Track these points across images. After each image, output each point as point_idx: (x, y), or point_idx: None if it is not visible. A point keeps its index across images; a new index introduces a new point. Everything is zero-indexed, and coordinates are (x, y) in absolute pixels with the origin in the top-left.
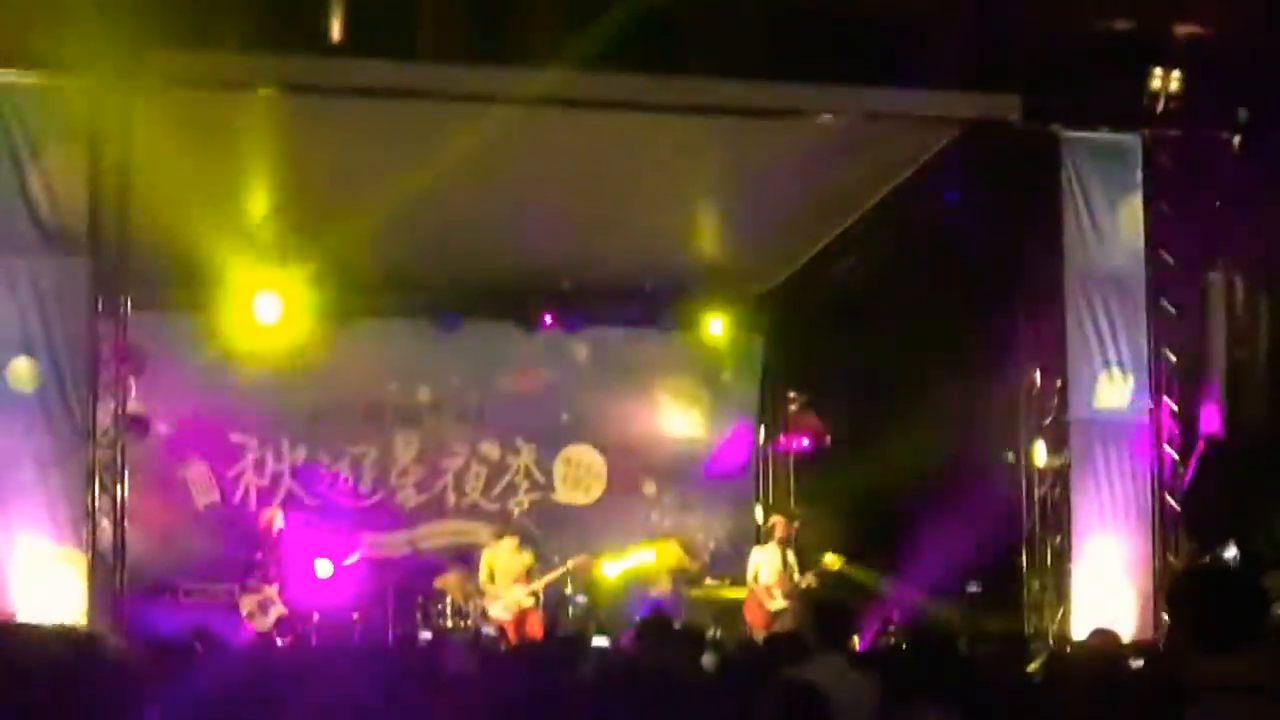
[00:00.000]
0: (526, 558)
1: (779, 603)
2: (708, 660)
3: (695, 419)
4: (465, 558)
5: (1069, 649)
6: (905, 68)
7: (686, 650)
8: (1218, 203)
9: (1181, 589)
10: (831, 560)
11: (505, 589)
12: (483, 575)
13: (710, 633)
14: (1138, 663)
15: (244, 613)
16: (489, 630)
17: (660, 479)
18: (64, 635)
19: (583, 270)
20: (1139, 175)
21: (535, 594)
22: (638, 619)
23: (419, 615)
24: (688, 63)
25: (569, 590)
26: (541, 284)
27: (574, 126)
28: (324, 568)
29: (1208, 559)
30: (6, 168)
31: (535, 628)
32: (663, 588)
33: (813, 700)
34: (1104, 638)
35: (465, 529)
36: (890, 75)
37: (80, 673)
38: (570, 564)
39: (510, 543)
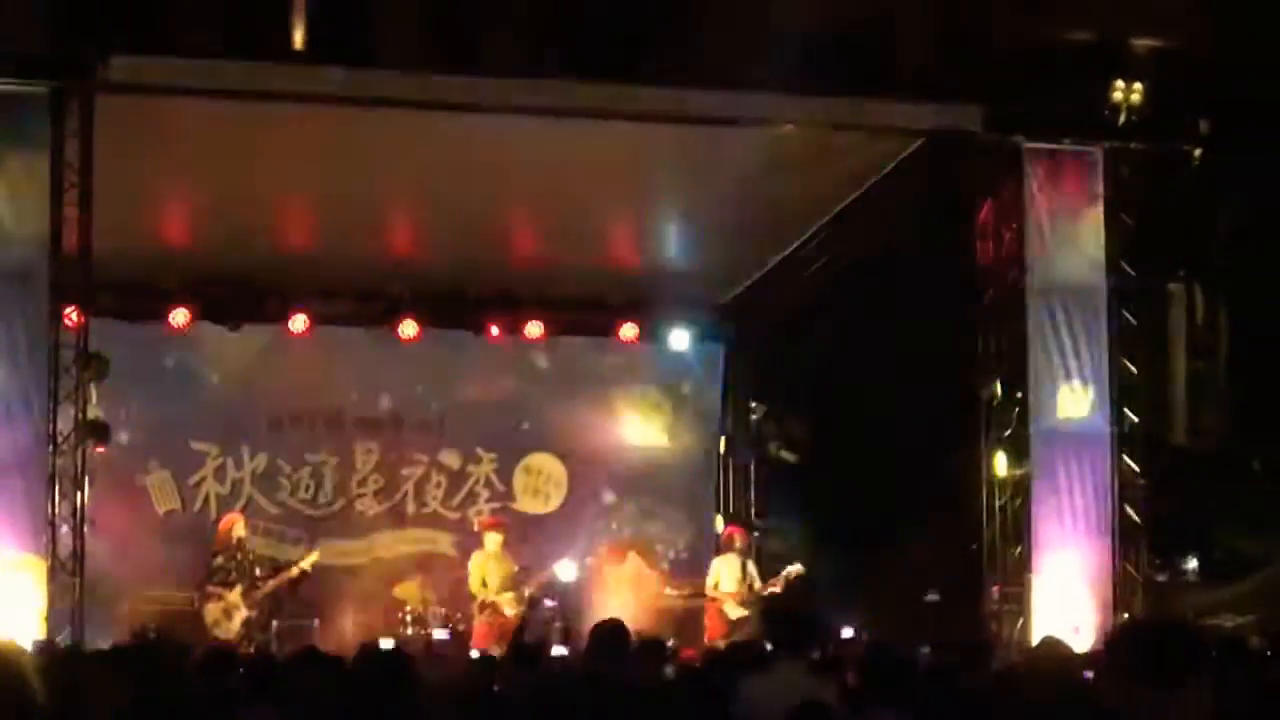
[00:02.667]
0: (509, 563)
1: (738, 611)
2: (667, 670)
3: (656, 429)
4: (425, 567)
5: (1019, 658)
6: (868, 78)
7: (641, 659)
8: (1178, 215)
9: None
10: (794, 571)
11: (497, 594)
12: (473, 582)
13: (669, 642)
14: (1089, 673)
15: (209, 620)
16: (442, 636)
17: (621, 488)
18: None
19: (544, 280)
20: (1100, 186)
21: (522, 600)
22: (592, 628)
23: (379, 624)
24: (651, 72)
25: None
26: (502, 293)
27: (536, 135)
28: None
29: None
30: None
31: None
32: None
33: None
34: (1052, 647)
35: (425, 538)
36: (853, 85)
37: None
38: (556, 569)
39: (496, 542)
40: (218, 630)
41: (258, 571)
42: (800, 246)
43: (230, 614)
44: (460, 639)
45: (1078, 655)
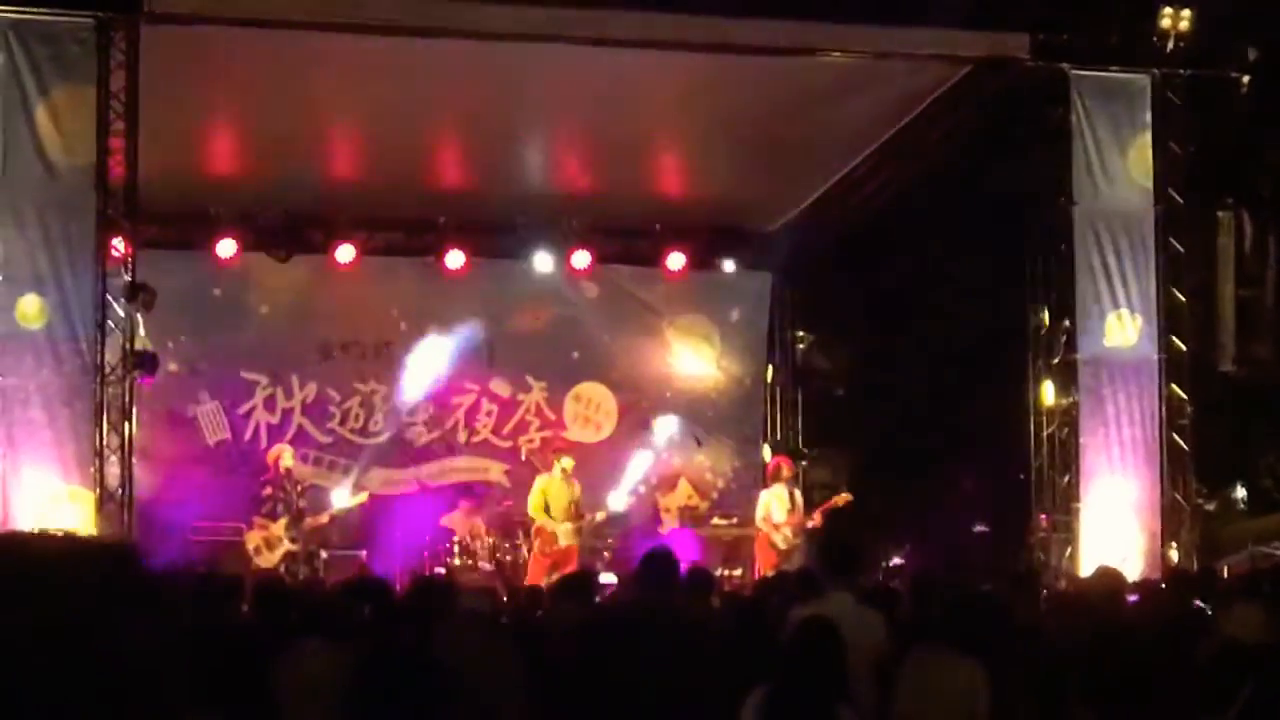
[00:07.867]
0: (575, 489)
1: (791, 541)
2: (714, 600)
3: (705, 358)
4: (474, 496)
5: (1072, 586)
6: (915, 6)
7: (690, 589)
8: (1227, 142)
9: None
10: (842, 498)
11: (559, 521)
12: (533, 504)
13: (718, 571)
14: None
15: (249, 548)
16: (486, 566)
17: (670, 417)
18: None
19: (592, 209)
20: (1148, 114)
21: (581, 530)
22: (642, 556)
23: (426, 553)
24: (699, 0)
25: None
26: (552, 222)
27: (583, 64)
28: (340, 498)
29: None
30: (15, 105)
31: (574, 566)
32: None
33: (828, 633)
34: (1107, 575)
35: (476, 466)
36: (901, 14)
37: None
38: (609, 500)
39: (566, 467)
40: (258, 559)
41: (303, 504)
42: (848, 175)
43: (272, 545)
44: (512, 568)
45: (1130, 583)
